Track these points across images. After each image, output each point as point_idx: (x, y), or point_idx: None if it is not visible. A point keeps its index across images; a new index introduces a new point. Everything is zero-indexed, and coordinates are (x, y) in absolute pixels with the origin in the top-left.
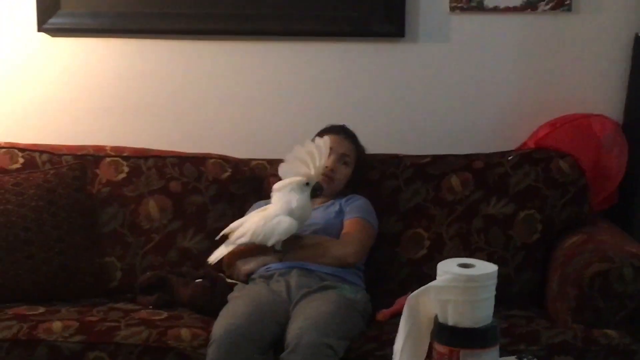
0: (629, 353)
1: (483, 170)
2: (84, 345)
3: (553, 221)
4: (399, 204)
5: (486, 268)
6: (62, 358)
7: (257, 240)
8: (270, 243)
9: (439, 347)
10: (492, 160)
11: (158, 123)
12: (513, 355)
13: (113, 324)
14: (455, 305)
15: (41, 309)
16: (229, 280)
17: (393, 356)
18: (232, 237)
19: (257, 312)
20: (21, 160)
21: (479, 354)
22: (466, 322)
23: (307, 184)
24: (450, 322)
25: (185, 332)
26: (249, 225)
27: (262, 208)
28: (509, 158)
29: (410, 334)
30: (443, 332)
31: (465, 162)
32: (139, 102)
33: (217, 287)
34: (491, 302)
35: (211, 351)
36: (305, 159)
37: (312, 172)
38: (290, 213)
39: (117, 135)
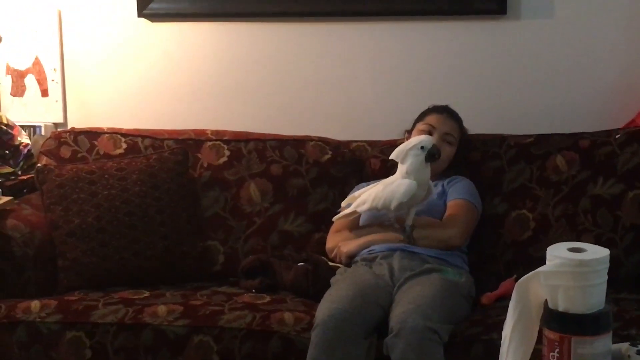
0: None
1: (589, 149)
2: (189, 328)
3: None
4: (503, 185)
5: (598, 252)
6: (167, 341)
7: (379, 205)
8: (392, 206)
9: (549, 334)
10: (599, 138)
11: (258, 106)
12: (625, 341)
13: (217, 307)
14: (565, 290)
15: (146, 293)
16: (331, 264)
17: (502, 342)
18: (354, 206)
19: (360, 295)
20: (124, 146)
21: (591, 341)
22: (577, 308)
23: (422, 147)
24: (561, 308)
25: (288, 316)
26: (370, 192)
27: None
28: (617, 136)
29: (520, 320)
30: (553, 319)
31: (570, 141)
32: (238, 86)
33: (319, 270)
34: (603, 288)
35: (315, 335)
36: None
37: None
38: (406, 177)
39: (217, 119)
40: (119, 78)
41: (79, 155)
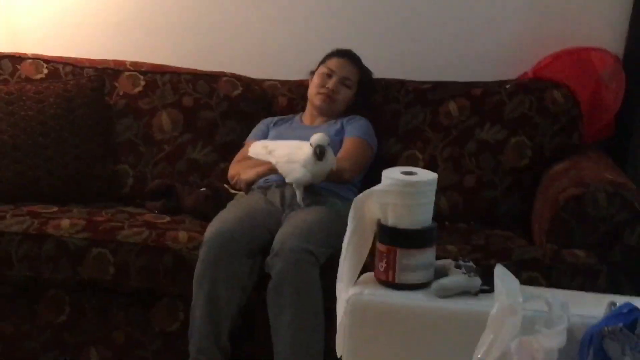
0: (594, 273)
1: (481, 98)
2: (89, 241)
3: (543, 148)
4: (399, 127)
5: (425, 176)
6: (68, 253)
7: (279, 169)
8: (287, 180)
9: (380, 246)
10: (490, 88)
11: (176, 41)
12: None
13: (118, 224)
14: (394, 208)
15: (54, 209)
16: (231, 191)
17: (341, 252)
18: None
19: (248, 218)
20: (45, 71)
21: (415, 254)
22: (404, 223)
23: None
24: (390, 224)
25: (182, 235)
26: (276, 155)
27: (297, 144)
28: (506, 87)
29: (355, 233)
30: (383, 233)
31: (464, 89)
32: (158, 20)
33: (219, 195)
34: (429, 207)
35: (202, 252)
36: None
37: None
38: (303, 166)
39: (137, 51)
40: (47, 7)
41: (2, 77)
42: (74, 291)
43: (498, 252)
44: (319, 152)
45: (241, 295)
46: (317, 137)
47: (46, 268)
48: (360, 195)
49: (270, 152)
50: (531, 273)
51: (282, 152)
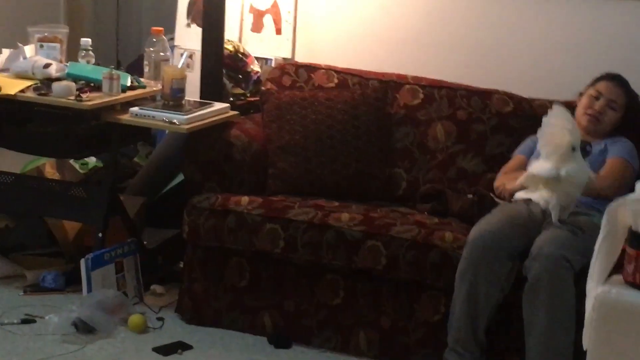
0: None
1: None
2: (364, 234)
3: None
4: None
5: None
6: (346, 242)
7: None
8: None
9: (630, 250)
10: None
11: (453, 58)
12: None
13: (391, 221)
14: None
15: (336, 203)
16: (496, 200)
17: (593, 255)
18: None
19: (509, 224)
20: (336, 81)
21: None
22: None
23: (574, 148)
24: None
25: (448, 235)
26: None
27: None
28: None
29: (607, 238)
30: (634, 238)
31: None
32: (438, 38)
33: (484, 202)
34: None
35: (466, 251)
36: (564, 126)
37: (569, 137)
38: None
39: (417, 66)
40: (341, 24)
41: (297, 84)
42: (348, 277)
43: None
44: (586, 145)
45: (499, 294)
46: (569, 139)
47: (326, 254)
48: (614, 203)
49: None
50: None
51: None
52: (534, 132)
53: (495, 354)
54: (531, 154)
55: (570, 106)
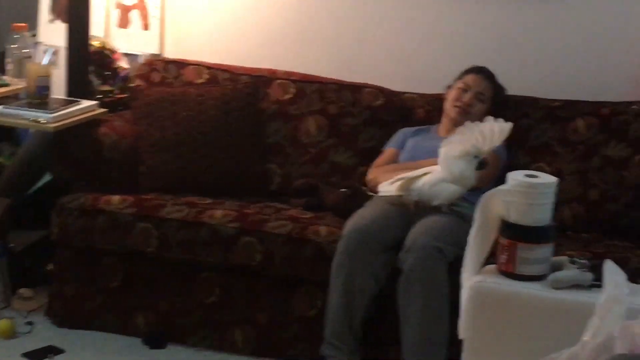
0: None
1: (608, 117)
2: (239, 230)
3: None
4: (528, 141)
5: (547, 179)
6: (220, 239)
7: (423, 199)
8: (434, 204)
9: (502, 240)
10: (618, 108)
11: (324, 52)
12: None
13: (265, 216)
14: (517, 206)
15: (209, 200)
16: (369, 193)
17: (467, 245)
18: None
19: (383, 216)
20: (206, 76)
21: (533, 248)
22: (525, 220)
23: (476, 157)
24: (512, 220)
25: (323, 229)
26: (419, 185)
27: (430, 168)
28: (633, 107)
29: (481, 227)
30: (505, 228)
31: (592, 108)
32: (308, 33)
33: (357, 196)
34: (548, 207)
35: (340, 244)
36: (484, 134)
37: (485, 148)
38: (456, 181)
39: (288, 61)
40: (209, 19)
41: (167, 80)
42: (224, 274)
43: (616, 260)
44: (483, 163)
45: (374, 286)
46: (473, 148)
47: (200, 252)
48: (487, 194)
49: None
50: None
51: (421, 182)
52: (405, 125)
53: (373, 346)
54: (402, 147)
55: (440, 99)
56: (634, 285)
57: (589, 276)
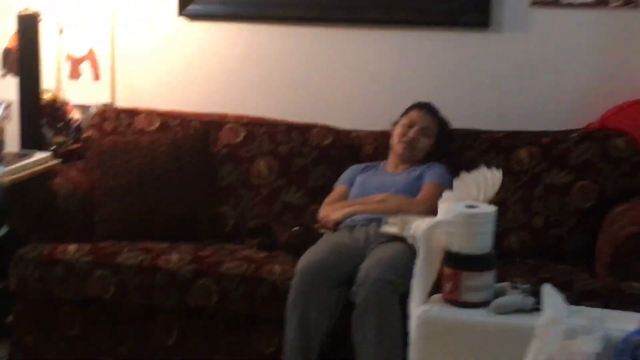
0: None
1: (549, 145)
2: (194, 272)
3: (606, 191)
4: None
5: (485, 209)
6: (177, 283)
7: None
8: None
9: (446, 270)
10: (558, 137)
11: (271, 95)
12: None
13: (220, 258)
14: (458, 236)
15: (165, 245)
16: (321, 230)
17: (413, 276)
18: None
19: (335, 252)
20: (157, 123)
21: (476, 276)
22: (466, 250)
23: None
24: (455, 250)
25: (277, 267)
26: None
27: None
28: (573, 135)
29: (425, 259)
30: (449, 258)
31: (534, 138)
32: (258, 78)
33: (310, 234)
34: (489, 236)
35: (294, 281)
36: (480, 186)
37: (480, 198)
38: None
39: (238, 104)
40: (160, 67)
41: (119, 129)
42: (182, 317)
43: (561, 284)
44: None
45: (329, 320)
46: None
47: (158, 296)
48: (429, 226)
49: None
50: (591, 303)
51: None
52: (353, 162)
53: None
54: (352, 183)
55: (387, 135)
56: (572, 306)
57: (530, 300)
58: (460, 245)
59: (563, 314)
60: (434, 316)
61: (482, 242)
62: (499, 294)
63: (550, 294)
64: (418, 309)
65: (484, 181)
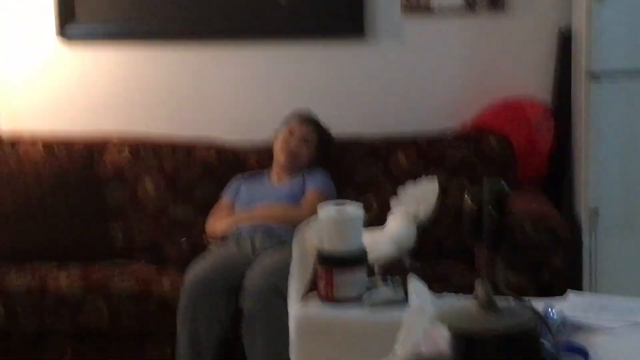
0: (524, 291)
1: (425, 146)
2: (84, 291)
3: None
4: (355, 177)
5: (353, 210)
6: (67, 304)
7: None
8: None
9: (319, 268)
10: (434, 137)
11: (157, 112)
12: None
13: (109, 275)
14: (328, 235)
15: (54, 265)
16: (208, 242)
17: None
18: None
19: (222, 262)
20: (41, 150)
21: (347, 273)
22: (337, 248)
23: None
24: (326, 249)
25: (166, 282)
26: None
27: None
28: (447, 135)
29: (299, 259)
30: (322, 257)
31: (411, 140)
32: (141, 96)
33: (198, 247)
34: (358, 235)
35: (182, 295)
36: (419, 199)
37: (422, 214)
38: (395, 243)
39: (121, 123)
40: (42, 89)
41: (3, 159)
42: (74, 338)
43: (436, 277)
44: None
45: (219, 329)
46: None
47: (49, 319)
48: (300, 226)
49: None
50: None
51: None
52: (237, 174)
53: None
54: (236, 195)
55: (269, 147)
56: (436, 294)
57: (400, 292)
58: (331, 243)
59: (427, 303)
60: (310, 315)
61: (352, 240)
62: (371, 287)
63: (415, 285)
64: (294, 307)
65: (422, 195)
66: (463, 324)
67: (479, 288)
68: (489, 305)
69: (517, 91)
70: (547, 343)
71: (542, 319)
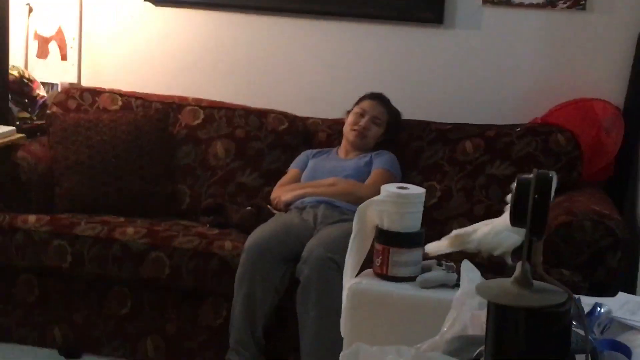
0: (576, 287)
1: (493, 138)
2: (148, 246)
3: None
4: (421, 161)
5: (416, 190)
6: (131, 255)
7: (484, 248)
8: (496, 253)
9: (377, 245)
10: (503, 130)
11: (232, 80)
12: None
13: (174, 233)
14: (389, 214)
15: (121, 219)
16: (273, 210)
17: (347, 250)
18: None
19: (283, 231)
20: (120, 103)
21: (404, 252)
22: (396, 227)
23: None
24: (385, 227)
25: (227, 244)
26: (479, 235)
27: (490, 221)
28: (517, 130)
29: (358, 235)
30: (380, 234)
31: (480, 131)
32: (219, 63)
33: (261, 213)
34: (418, 215)
35: (242, 258)
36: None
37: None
38: (516, 230)
39: (198, 88)
40: (125, 49)
41: (83, 108)
42: (134, 288)
43: (493, 268)
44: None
45: (274, 296)
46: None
47: (112, 267)
48: (363, 204)
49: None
50: None
51: (480, 233)
52: (307, 147)
53: (274, 352)
54: (304, 167)
55: (340, 123)
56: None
57: (453, 277)
58: (390, 223)
59: None
60: (364, 289)
61: (411, 221)
62: (425, 270)
63: (467, 269)
64: (349, 281)
65: None
66: (496, 296)
67: (518, 268)
68: (523, 283)
69: (590, 91)
70: (590, 336)
71: (578, 305)
